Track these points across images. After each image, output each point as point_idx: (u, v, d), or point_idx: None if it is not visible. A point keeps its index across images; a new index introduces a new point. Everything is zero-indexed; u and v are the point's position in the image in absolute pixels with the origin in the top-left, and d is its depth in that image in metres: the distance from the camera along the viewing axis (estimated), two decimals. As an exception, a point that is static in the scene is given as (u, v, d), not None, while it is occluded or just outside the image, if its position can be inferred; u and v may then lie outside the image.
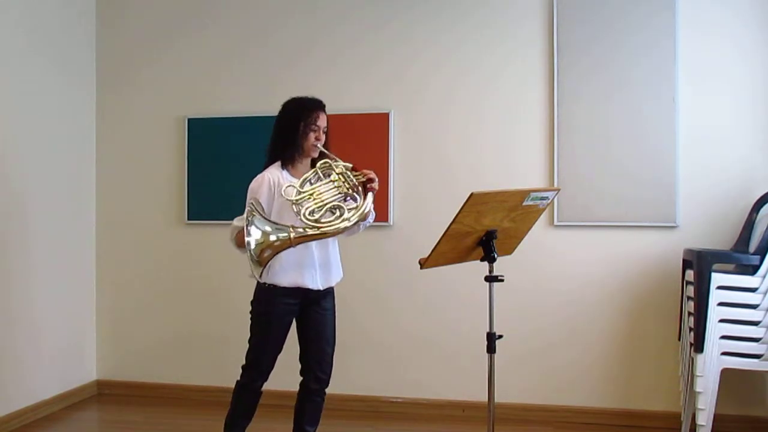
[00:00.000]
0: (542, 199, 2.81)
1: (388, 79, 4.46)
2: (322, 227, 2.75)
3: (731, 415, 3.90)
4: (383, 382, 4.46)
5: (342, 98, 4.44)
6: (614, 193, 4.11)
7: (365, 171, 2.87)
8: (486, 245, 2.75)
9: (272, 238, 2.73)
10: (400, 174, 4.43)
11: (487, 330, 2.80)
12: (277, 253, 2.79)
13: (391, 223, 4.42)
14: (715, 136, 4.04)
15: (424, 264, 2.74)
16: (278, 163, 3.08)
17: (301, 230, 2.76)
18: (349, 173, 2.86)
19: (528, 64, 4.29)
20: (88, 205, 4.81)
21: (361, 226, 3.08)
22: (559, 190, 3.08)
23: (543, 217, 4.09)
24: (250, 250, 2.70)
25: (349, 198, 2.87)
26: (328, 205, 2.80)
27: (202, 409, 4.47)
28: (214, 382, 4.60)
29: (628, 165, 4.10)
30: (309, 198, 2.79)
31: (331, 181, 2.85)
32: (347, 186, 2.84)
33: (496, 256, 2.75)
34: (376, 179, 2.88)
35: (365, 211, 2.82)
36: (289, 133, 3.04)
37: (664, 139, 4.06)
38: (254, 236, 2.71)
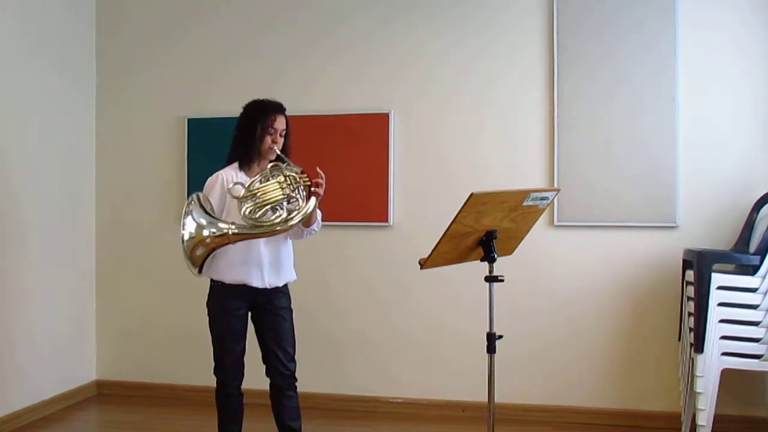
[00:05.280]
0: (542, 199, 2.82)
1: (388, 79, 4.46)
2: (260, 226, 2.82)
3: (731, 415, 3.89)
4: (382, 382, 4.45)
5: (342, 98, 4.44)
6: (614, 193, 4.11)
7: (311, 175, 2.90)
8: (486, 245, 2.75)
9: (205, 233, 2.80)
10: (400, 174, 4.43)
11: (487, 330, 2.80)
12: (213, 250, 2.85)
13: (391, 223, 4.42)
14: (715, 136, 4.04)
15: (424, 264, 2.74)
16: (236, 164, 3.09)
17: (239, 228, 2.82)
18: (295, 176, 2.90)
19: (528, 64, 4.28)
20: (88, 204, 4.81)
21: (305, 232, 3.10)
22: (559, 190, 3.09)
23: (543, 217, 4.09)
24: (183, 246, 2.73)
25: (293, 200, 2.90)
26: (269, 205, 2.85)
27: (202, 409, 4.45)
28: (214, 383, 4.58)
29: (628, 165, 4.10)
30: (252, 197, 2.84)
31: (276, 182, 2.89)
32: (291, 188, 2.88)
33: (496, 256, 2.75)
34: (323, 184, 2.91)
35: (307, 213, 2.87)
36: (246, 135, 3.06)
37: (664, 139, 4.06)
38: (188, 229, 2.78)
